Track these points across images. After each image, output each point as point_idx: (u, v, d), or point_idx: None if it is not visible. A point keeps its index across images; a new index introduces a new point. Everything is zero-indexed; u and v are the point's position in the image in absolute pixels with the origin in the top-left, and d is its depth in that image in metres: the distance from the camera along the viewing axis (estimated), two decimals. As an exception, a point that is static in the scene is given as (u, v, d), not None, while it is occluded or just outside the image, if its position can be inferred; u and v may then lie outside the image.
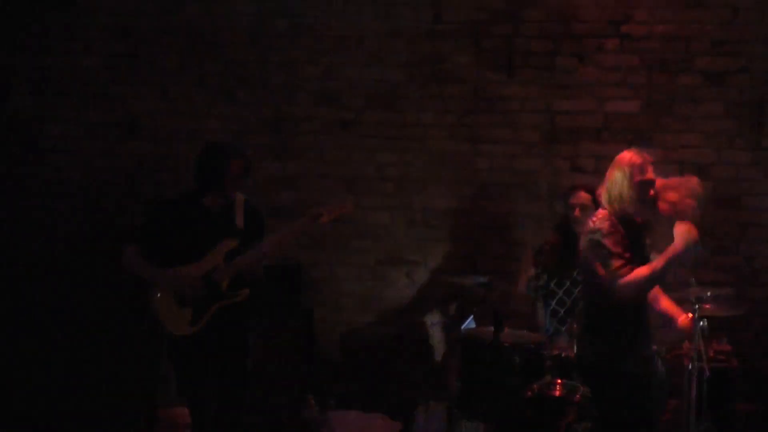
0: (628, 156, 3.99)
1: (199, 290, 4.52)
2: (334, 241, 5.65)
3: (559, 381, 4.78)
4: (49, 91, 6.22)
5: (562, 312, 5.30)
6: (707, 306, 4.73)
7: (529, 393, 4.74)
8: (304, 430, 5.67)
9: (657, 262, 3.84)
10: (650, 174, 3.96)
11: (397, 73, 5.98)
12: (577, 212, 5.17)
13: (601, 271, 3.77)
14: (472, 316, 5.52)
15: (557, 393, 4.73)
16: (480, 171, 5.97)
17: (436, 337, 6.15)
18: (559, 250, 5.36)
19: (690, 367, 4.79)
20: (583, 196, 5.20)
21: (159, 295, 4.55)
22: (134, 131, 6.13)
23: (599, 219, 3.84)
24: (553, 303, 5.34)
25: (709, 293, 4.79)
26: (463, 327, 5.49)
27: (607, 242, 3.77)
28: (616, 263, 3.70)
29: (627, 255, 3.73)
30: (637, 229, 3.92)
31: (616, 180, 3.90)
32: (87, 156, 6.23)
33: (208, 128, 5.93)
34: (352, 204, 4.84)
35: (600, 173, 4.97)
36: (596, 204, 4.80)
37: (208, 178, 4.56)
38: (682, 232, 3.81)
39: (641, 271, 3.76)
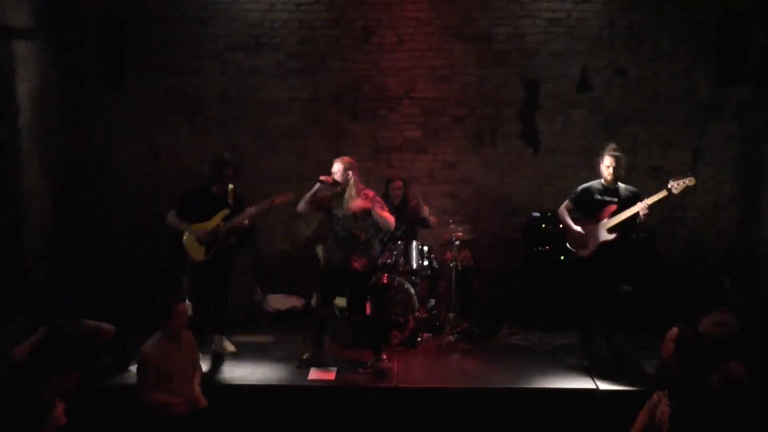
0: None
1: (208, 237, 6.65)
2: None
3: (386, 275, 7.32)
4: (112, 133, 8.52)
5: (385, 242, 7.55)
6: (459, 233, 7.50)
7: (371, 281, 6.98)
8: (255, 306, 8.12)
9: None
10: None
11: (297, 119, 8.55)
12: (396, 192, 7.74)
13: None
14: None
15: (384, 281, 7.31)
16: (341, 169, 8.13)
17: (320, 255, 7.72)
18: (385, 212, 7.68)
19: (451, 265, 7.47)
20: (398, 184, 7.81)
21: (186, 238, 6.69)
22: (158, 154, 8.56)
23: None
24: (381, 238, 7.37)
25: (460, 227, 7.59)
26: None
27: None
28: None
29: None
30: None
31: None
32: (134, 168, 8.55)
33: (199, 152, 8.26)
34: (292, 194, 6.71)
35: (402, 170, 8.10)
36: (406, 187, 7.78)
37: (214, 177, 6.68)
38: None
39: None
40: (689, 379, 4.57)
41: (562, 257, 7.61)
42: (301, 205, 6.56)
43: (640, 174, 8.23)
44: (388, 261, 7.49)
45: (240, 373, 6.51)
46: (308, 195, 6.48)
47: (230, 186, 6.77)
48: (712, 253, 8.38)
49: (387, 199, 7.76)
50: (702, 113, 8.42)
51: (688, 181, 6.34)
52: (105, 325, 6.29)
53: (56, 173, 8.29)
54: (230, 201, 6.74)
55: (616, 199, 6.56)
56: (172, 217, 6.71)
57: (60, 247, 8.27)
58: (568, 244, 6.82)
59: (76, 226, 8.48)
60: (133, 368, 6.22)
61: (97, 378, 6.09)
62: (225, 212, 6.69)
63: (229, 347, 6.99)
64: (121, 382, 6.24)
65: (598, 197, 6.64)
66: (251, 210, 6.69)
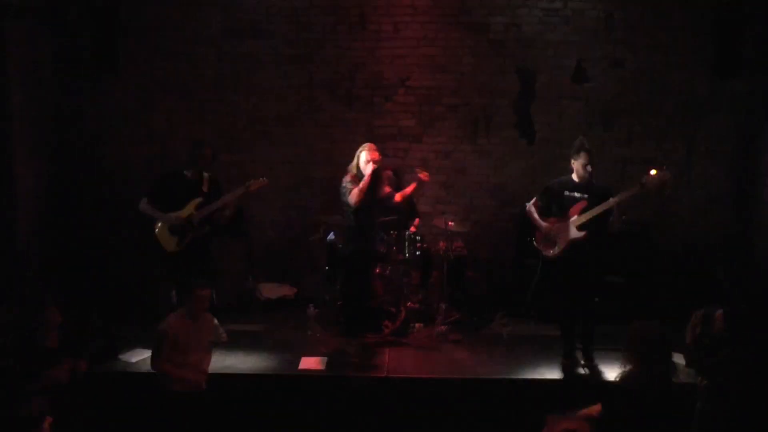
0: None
1: (181, 226, 6.37)
2: (260, 195, 7.02)
3: (379, 265, 7.37)
4: (105, 118, 8.49)
5: (382, 231, 7.44)
6: (451, 223, 7.57)
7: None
8: (247, 293, 8.18)
9: None
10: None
11: (292, 106, 8.55)
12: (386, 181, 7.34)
13: None
14: (332, 233, 7.86)
15: (377, 271, 7.38)
16: (335, 156, 8.24)
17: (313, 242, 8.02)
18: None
19: (443, 254, 7.55)
20: (388, 173, 7.58)
21: (158, 227, 6.42)
22: (151, 138, 8.52)
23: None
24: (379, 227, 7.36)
25: (453, 217, 7.65)
26: (328, 238, 7.91)
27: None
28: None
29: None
30: None
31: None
32: (127, 153, 8.51)
33: (190, 137, 7.77)
34: (267, 181, 6.62)
35: (397, 158, 8.11)
36: (396, 176, 7.76)
37: (191, 159, 6.50)
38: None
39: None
40: None
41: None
42: (357, 197, 6.66)
43: (634, 166, 8.23)
44: (381, 251, 7.45)
45: (230, 361, 6.49)
46: (363, 186, 6.59)
47: (205, 174, 6.59)
48: (706, 245, 8.33)
49: None
50: (697, 106, 8.43)
51: (663, 176, 5.99)
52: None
53: (49, 157, 8.23)
54: (205, 189, 6.56)
55: (586, 195, 6.30)
56: (144, 204, 6.48)
57: (52, 232, 8.22)
58: (535, 243, 6.57)
59: (68, 210, 8.43)
60: (124, 356, 6.46)
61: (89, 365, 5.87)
62: (198, 200, 6.49)
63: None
64: (112, 369, 6.24)
65: (568, 193, 6.37)
66: (226, 197, 6.50)
